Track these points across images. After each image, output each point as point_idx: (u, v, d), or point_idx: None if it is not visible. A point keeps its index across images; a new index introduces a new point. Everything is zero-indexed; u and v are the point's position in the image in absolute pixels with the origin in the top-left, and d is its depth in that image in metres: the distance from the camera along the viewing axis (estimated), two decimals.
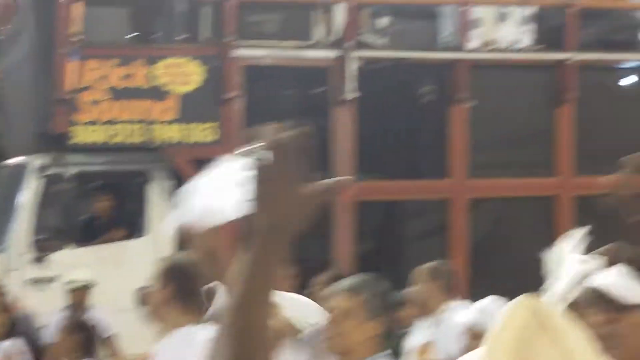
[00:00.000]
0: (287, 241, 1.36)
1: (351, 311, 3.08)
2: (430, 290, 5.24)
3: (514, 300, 1.29)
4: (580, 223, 2.92)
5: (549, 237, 3.26)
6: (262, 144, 1.35)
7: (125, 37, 9.04)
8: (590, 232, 2.64)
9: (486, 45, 9.86)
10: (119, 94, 8.52)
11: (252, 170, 1.35)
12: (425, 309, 5.27)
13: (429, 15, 9.62)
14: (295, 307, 3.27)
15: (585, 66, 9.31)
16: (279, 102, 8.70)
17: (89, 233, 8.53)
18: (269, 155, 1.34)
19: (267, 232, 1.35)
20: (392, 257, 8.61)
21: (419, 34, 9.38)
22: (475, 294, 5.33)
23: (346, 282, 3.28)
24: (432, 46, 9.35)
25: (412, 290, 5.39)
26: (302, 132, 1.36)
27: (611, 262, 2.52)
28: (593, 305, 2.41)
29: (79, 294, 7.53)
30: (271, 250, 1.35)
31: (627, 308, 2.40)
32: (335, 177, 1.44)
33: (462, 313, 4.62)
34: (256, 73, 8.67)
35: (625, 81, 9.72)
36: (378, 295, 3.17)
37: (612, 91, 9.58)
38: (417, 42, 9.22)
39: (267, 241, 1.35)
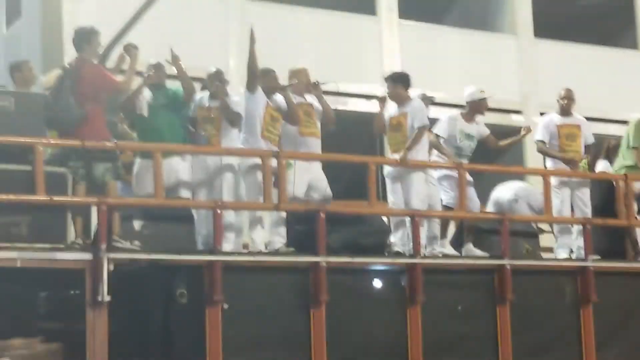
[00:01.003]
0: None
1: None
2: None
3: None
4: None
5: None
6: None
7: None
8: None
9: (241, 248, 10.09)
10: None
11: None
12: None
13: (185, 218, 9.77)
14: None
15: (336, 269, 9.62)
16: (32, 304, 8.51)
17: None
18: None
19: None
20: None
21: (175, 237, 9.47)
22: None
23: None
24: (188, 248, 9.45)
25: None
26: None
27: None
28: None
29: None
30: None
31: None
32: None
33: None
34: (6, 275, 8.48)
35: (374, 284, 10.07)
36: None
37: (362, 294, 9.91)
38: (172, 245, 9.28)
39: None
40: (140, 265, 8.92)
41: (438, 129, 11.20)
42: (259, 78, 10.18)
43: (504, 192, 11.83)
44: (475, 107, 11.15)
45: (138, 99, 10.13)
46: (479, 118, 11.34)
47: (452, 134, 11.10)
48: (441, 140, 11.05)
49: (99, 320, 8.59)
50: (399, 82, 10.87)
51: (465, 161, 11.06)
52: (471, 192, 11.06)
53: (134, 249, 9.03)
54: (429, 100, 11.13)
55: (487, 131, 11.32)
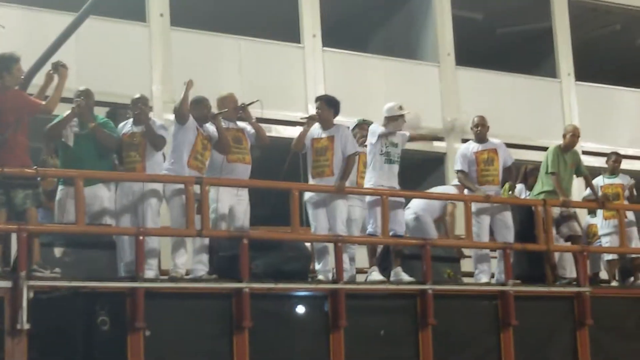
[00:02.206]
0: None
1: None
2: None
3: None
4: None
5: None
6: None
7: None
8: None
9: (162, 275, 10.05)
10: None
11: None
12: None
13: (107, 245, 9.71)
14: None
15: (259, 295, 9.64)
16: None
17: None
18: None
19: None
20: None
21: (96, 263, 9.41)
22: None
23: None
24: (109, 275, 9.39)
25: None
26: None
27: None
28: None
29: None
30: None
31: None
32: None
33: None
34: None
35: (297, 309, 10.09)
36: None
37: (285, 319, 9.93)
38: (93, 272, 9.21)
39: None
40: (61, 292, 8.85)
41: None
42: (189, 111, 10.22)
43: (406, 213, 11.97)
44: (392, 123, 11.25)
45: (65, 128, 10.08)
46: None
47: (378, 141, 11.17)
48: (374, 145, 11.11)
49: (17, 349, 8.50)
50: (332, 106, 11.00)
51: (395, 166, 11.18)
52: (400, 215, 11.16)
53: (54, 276, 8.94)
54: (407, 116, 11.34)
55: (407, 134, 11.46)
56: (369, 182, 11.17)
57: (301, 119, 11.15)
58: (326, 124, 10.92)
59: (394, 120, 11.24)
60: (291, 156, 11.43)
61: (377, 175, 11.11)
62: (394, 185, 11.17)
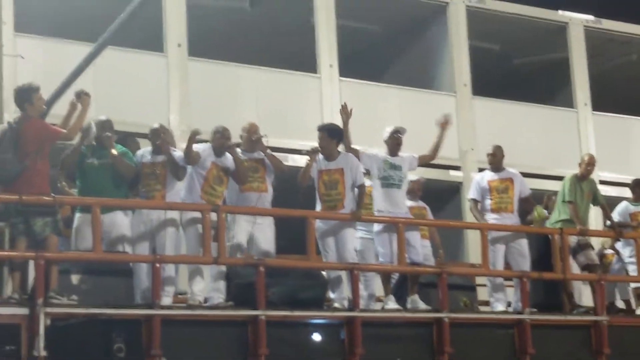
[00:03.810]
0: None
1: None
2: None
3: None
4: None
5: None
6: None
7: None
8: None
9: (179, 302, 10.08)
10: None
11: None
12: None
13: (124, 272, 9.75)
14: None
15: (275, 323, 9.64)
16: None
17: None
18: None
19: None
20: None
21: (113, 291, 9.45)
22: None
23: None
24: (126, 303, 9.42)
25: None
26: None
27: None
28: None
29: None
30: None
31: None
32: None
33: None
34: None
35: (313, 337, 10.09)
36: None
37: (301, 347, 9.93)
38: (110, 299, 9.24)
39: None
40: (78, 319, 8.88)
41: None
42: (195, 159, 10.19)
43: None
44: (391, 145, 11.21)
45: (76, 156, 10.14)
46: (403, 152, 11.32)
47: (374, 165, 11.10)
48: (372, 170, 11.06)
49: None
50: (335, 136, 10.89)
51: (396, 190, 11.05)
52: (416, 241, 11.08)
53: (71, 303, 8.98)
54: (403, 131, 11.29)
55: (415, 155, 11.35)
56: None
57: (304, 153, 10.97)
58: (331, 155, 10.85)
59: (391, 142, 11.17)
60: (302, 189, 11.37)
61: (376, 201, 11.05)
62: (396, 210, 10.96)
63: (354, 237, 10.79)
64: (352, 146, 11.02)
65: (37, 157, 9.21)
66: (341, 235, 10.63)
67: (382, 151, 11.21)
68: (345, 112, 10.83)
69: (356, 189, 10.78)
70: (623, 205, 13.29)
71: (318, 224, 10.62)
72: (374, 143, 12.85)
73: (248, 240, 10.43)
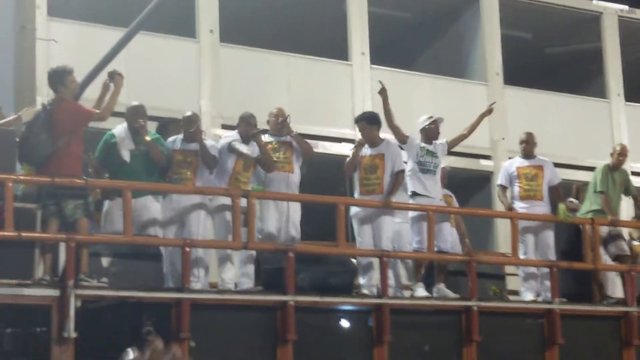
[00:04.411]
0: None
1: None
2: None
3: None
4: None
5: None
6: None
7: None
8: None
9: (209, 286, 10.11)
10: None
11: None
12: None
13: (154, 256, 9.79)
14: None
15: (304, 308, 9.66)
16: None
17: None
18: None
19: None
20: None
21: (143, 274, 9.49)
22: None
23: None
24: (155, 286, 9.47)
25: None
26: None
27: None
28: None
29: None
30: None
31: None
32: None
33: None
34: None
35: (342, 323, 10.11)
36: None
37: (329, 333, 9.94)
38: (140, 282, 9.29)
39: None
40: (108, 302, 8.93)
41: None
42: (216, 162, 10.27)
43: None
44: (427, 134, 11.22)
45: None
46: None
47: (413, 150, 11.12)
48: (410, 155, 11.09)
49: (64, 357, 8.59)
50: (375, 123, 10.95)
51: (429, 176, 11.07)
52: (446, 229, 11.09)
53: (102, 285, 9.04)
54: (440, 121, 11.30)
55: (445, 142, 11.31)
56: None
57: (350, 150, 11.05)
58: (374, 141, 10.90)
59: (427, 132, 11.20)
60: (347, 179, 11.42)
61: (412, 184, 11.06)
62: (432, 195, 11.02)
63: (392, 224, 10.76)
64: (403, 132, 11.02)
65: (70, 139, 9.24)
66: (378, 222, 10.64)
67: (417, 138, 11.22)
68: (384, 91, 10.84)
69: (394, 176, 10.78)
70: None
71: (356, 209, 10.63)
72: (405, 131, 12.82)
73: (277, 227, 10.45)
